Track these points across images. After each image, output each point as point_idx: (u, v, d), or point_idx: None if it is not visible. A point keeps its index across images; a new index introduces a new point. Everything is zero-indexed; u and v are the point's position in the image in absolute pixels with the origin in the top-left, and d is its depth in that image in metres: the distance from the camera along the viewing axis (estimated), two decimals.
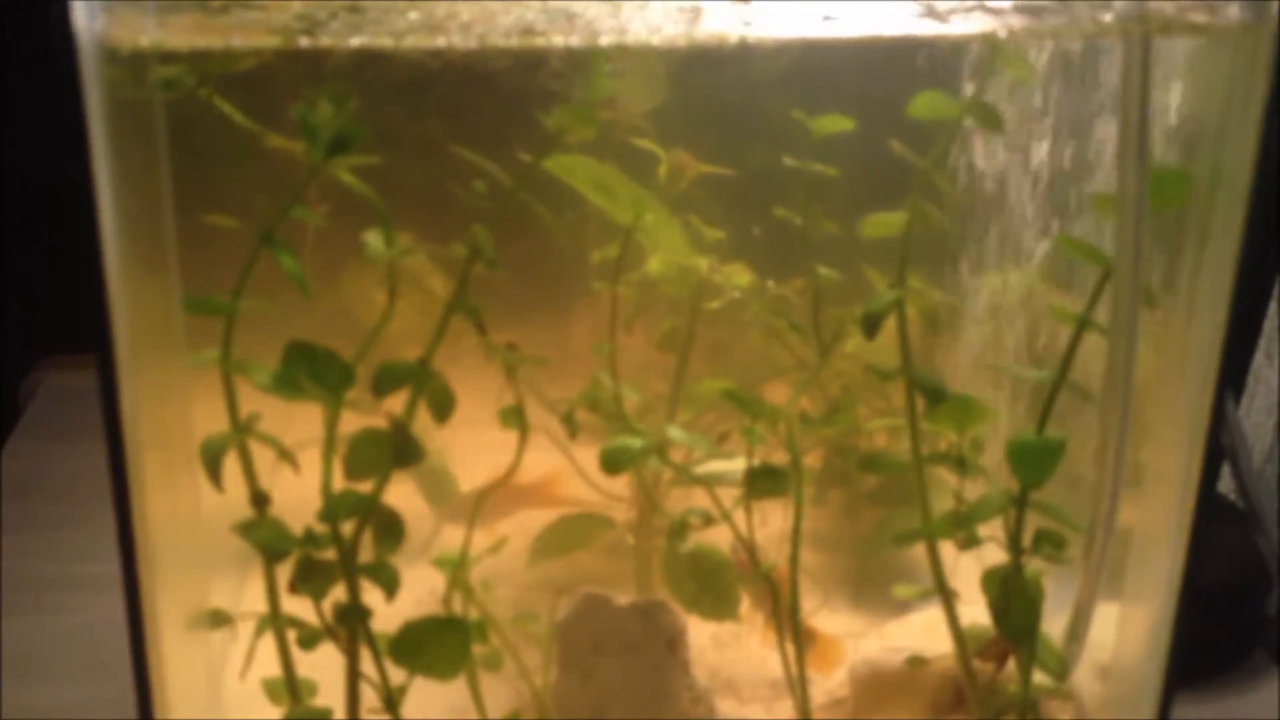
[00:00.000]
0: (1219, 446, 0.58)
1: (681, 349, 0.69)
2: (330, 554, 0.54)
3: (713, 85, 0.63)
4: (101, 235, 0.46)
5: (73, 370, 1.23)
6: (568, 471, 0.68)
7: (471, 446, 0.65)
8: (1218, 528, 0.87)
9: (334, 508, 0.53)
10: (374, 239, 0.55)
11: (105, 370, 0.48)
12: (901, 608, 0.71)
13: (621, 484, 0.72)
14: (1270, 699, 0.78)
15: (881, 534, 0.73)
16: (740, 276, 0.68)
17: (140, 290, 0.50)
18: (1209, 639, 0.80)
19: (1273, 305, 0.96)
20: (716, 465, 0.62)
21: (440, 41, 0.47)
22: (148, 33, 0.47)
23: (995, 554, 0.60)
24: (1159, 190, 0.57)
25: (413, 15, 0.45)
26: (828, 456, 0.72)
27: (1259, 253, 0.80)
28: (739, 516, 0.61)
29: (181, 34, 0.47)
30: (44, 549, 0.92)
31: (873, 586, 0.74)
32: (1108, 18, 0.54)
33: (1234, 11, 0.53)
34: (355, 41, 0.46)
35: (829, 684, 0.68)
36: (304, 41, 0.46)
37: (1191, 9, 0.54)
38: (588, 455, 0.67)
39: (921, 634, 0.67)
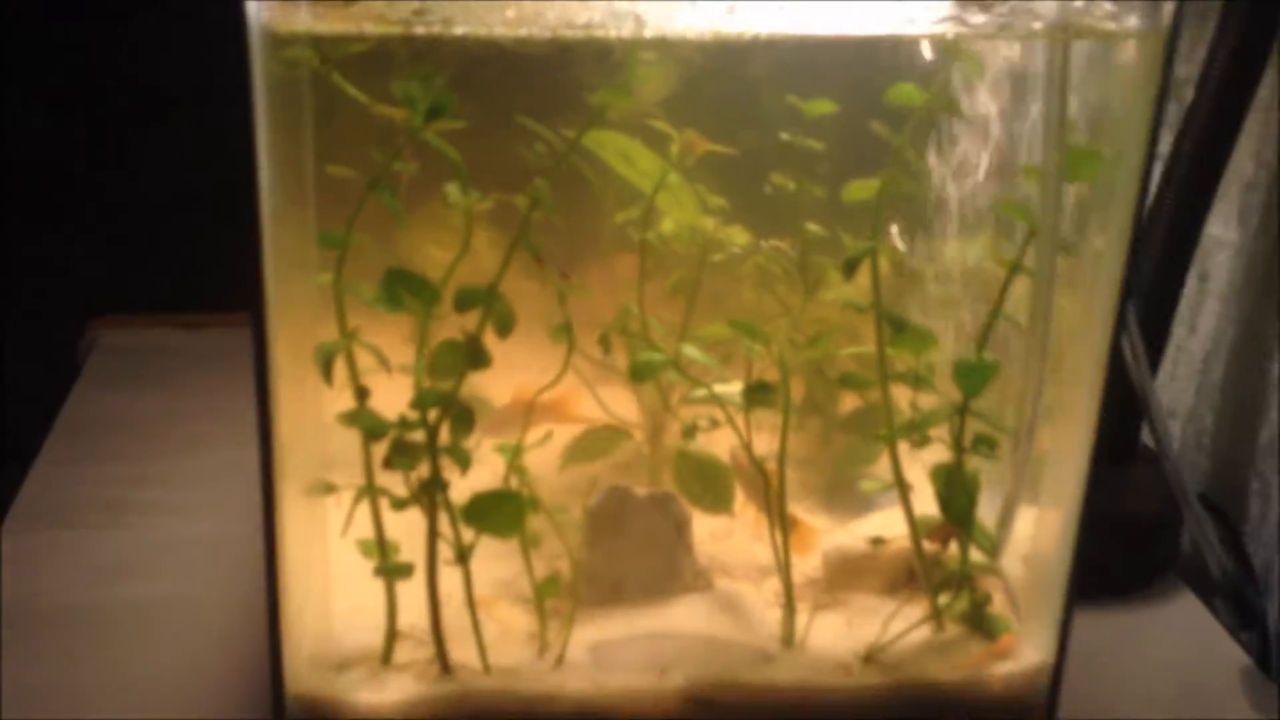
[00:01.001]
0: (1115, 385, 0.66)
1: (689, 293, 0.80)
2: (418, 436, 0.66)
3: (721, 74, 0.72)
4: (259, 187, 0.57)
5: (124, 328, 1.32)
6: (583, 393, 0.80)
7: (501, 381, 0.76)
8: (1140, 468, 0.97)
9: (423, 398, 0.65)
10: (453, 189, 0.66)
11: (256, 297, 0.59)
12: (864, 510, 0.81)
13: (631, 411, 0.83)
14: (1179, 610, 0.90)
15: (851, 452, 0.84)
16: (739, 236, 0.78)
17: (285, 230, 0.62)
18: (1129, 563, 0.91)
19: (1192, 281, 1.06)
20: (718, 388, 0.74)
21: (522, 31, 0.60)
22: (302, 21, 0.59)
23: (942, 455, 0.71)
24: (1075, 165, 0.68)
25: (510, 12, 0.58)
26: (809, 384, 0.84)
27: (1177, 229, 0.90)
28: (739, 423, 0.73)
29: (325, 23, 0.60)
30: (116, 478, 1.04)
31: (842, 497, 0.84)
32: (1037, 25, 0.64)
33: (1133, 20, 0.63)
34: (459, 30, 0.59)
35: (805, 567, 0.78)
36: (420, 30, 0.59)
37: (1102, 18, 0.63)
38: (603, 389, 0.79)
39: (880, 529, 0.77)
